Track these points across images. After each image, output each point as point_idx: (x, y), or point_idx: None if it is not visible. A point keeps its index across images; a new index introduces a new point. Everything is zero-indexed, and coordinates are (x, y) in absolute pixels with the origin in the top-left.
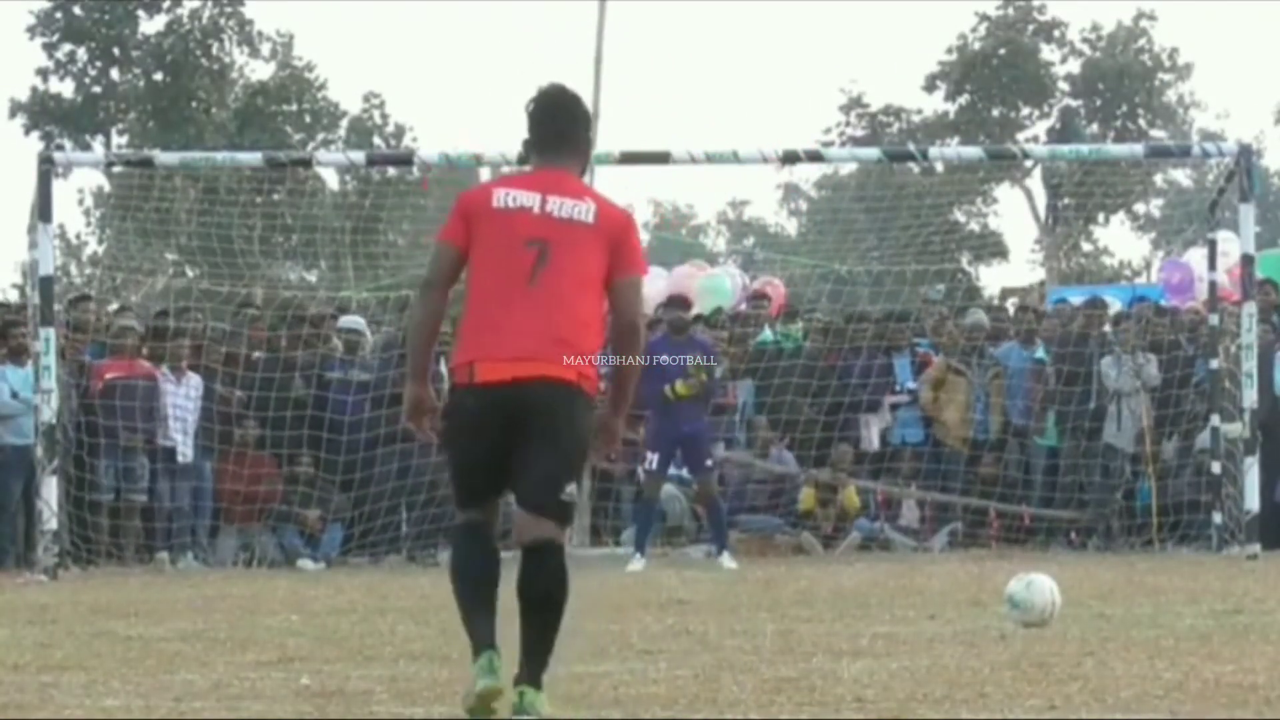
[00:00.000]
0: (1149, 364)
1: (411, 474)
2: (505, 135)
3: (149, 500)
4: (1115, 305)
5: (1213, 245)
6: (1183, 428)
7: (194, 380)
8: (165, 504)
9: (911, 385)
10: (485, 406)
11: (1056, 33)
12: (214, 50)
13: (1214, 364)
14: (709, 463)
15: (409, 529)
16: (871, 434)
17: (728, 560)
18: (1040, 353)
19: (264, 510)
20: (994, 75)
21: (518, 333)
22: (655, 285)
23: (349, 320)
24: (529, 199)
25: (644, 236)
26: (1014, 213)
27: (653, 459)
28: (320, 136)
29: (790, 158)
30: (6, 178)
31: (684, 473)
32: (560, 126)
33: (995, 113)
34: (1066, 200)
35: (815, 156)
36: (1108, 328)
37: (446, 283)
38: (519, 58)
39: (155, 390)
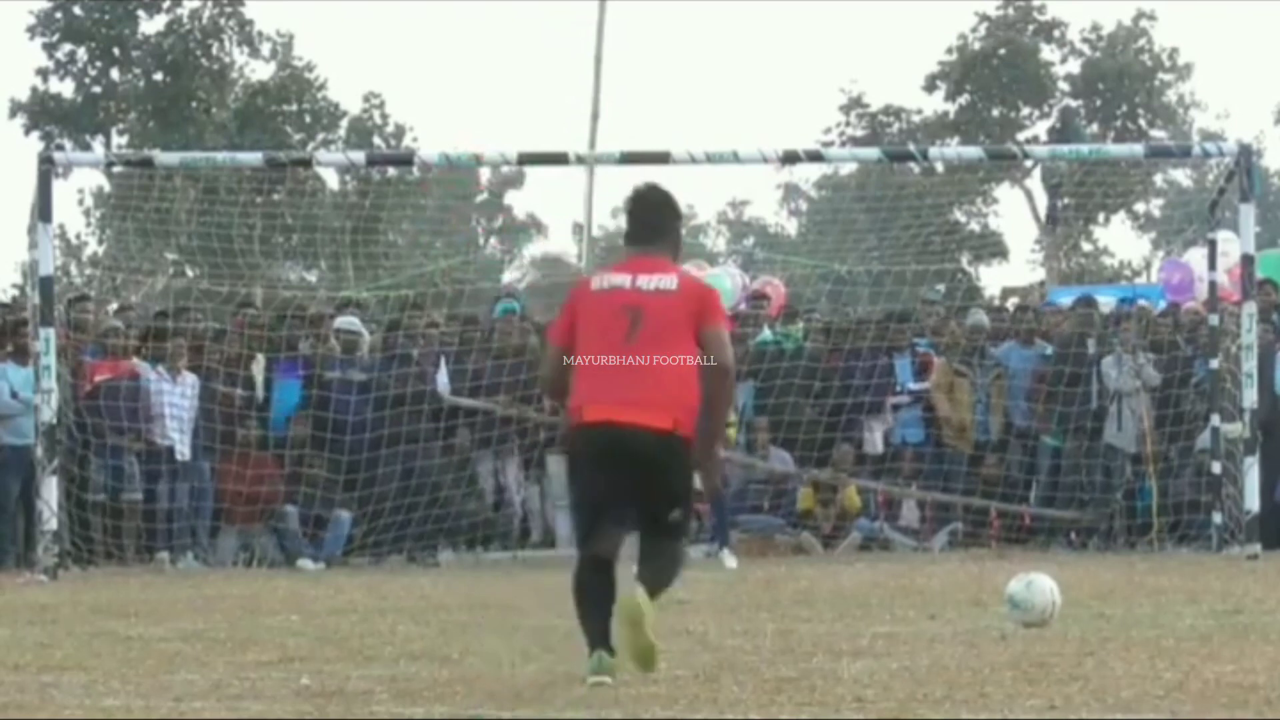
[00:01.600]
0: (1148, 365)
1: (416, 475)
2: (505, 135)
3: (149, 500)
4: (1109, 304)
5: (1213, 245)
6: (1183, 428)
7: (190, 380)
8: (165, 504)
9: (912, 386)
10: (594, 444)
11: (1056, 33)
12: (214, 50)
13: (1214, 364)
14: None
15: (412, 529)
16: (875, 437)
17: (728, 559)
18: (1047, 351)
19: (265, 511)
20: (994, 75)
21: (620, 384)
22: None
23: (345, 321)
24: (621, 279)
25: None
26: (1014, 213)
27: None
28: (320, 136)
29: (790, 158)
30: (6, 178)
31: None
32: (651, 221)
33: (995, 113)
34: (1066, 200)
35: (815, 156)
36: (1107, 326)
37: (560, 382)
38: (519, 58)
39: (143, 390)
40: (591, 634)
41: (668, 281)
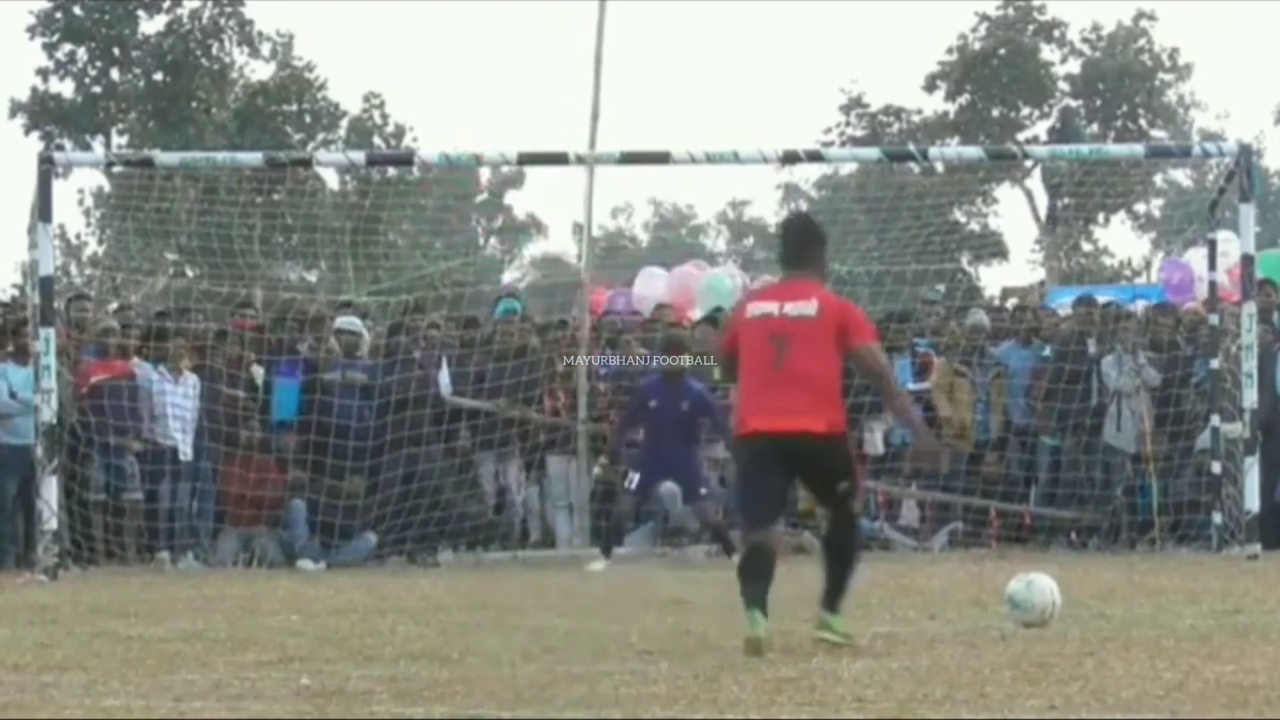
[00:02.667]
0: (1148, 365)
1: (417, 478)
2: (505, 135)
3: (151, 500)
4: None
5: (1213, 245)
6: (1183, 427)
7: (192, 380)
8: (167, 504)
9: (912, 386)
10: (758, 448)
11: (1056, 33)
12: (214, 50)
13: (1214, 364)
14: (702, 490)
15: (413, 531)
16: (875, 438)
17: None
18: (1046, 351)
19: (270, 516)
20: (994, 75)
21: (775, 398)
22: (655, 285)
23: (346, 321)
24: (770, 308)
25: (644, 236)
26: (1014, 213)
27: (634, 479)
28: (320, 136)
29: (790, 158)
30: (6, 178)
31: None
32: (798, 248)
33: (995, 113)
34: (1066, 200)
35: (815, 156)
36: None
37: (735, 375)
38: (519, 58)
39: (141, 390)
40: (749, 596)
41: (809, 308)
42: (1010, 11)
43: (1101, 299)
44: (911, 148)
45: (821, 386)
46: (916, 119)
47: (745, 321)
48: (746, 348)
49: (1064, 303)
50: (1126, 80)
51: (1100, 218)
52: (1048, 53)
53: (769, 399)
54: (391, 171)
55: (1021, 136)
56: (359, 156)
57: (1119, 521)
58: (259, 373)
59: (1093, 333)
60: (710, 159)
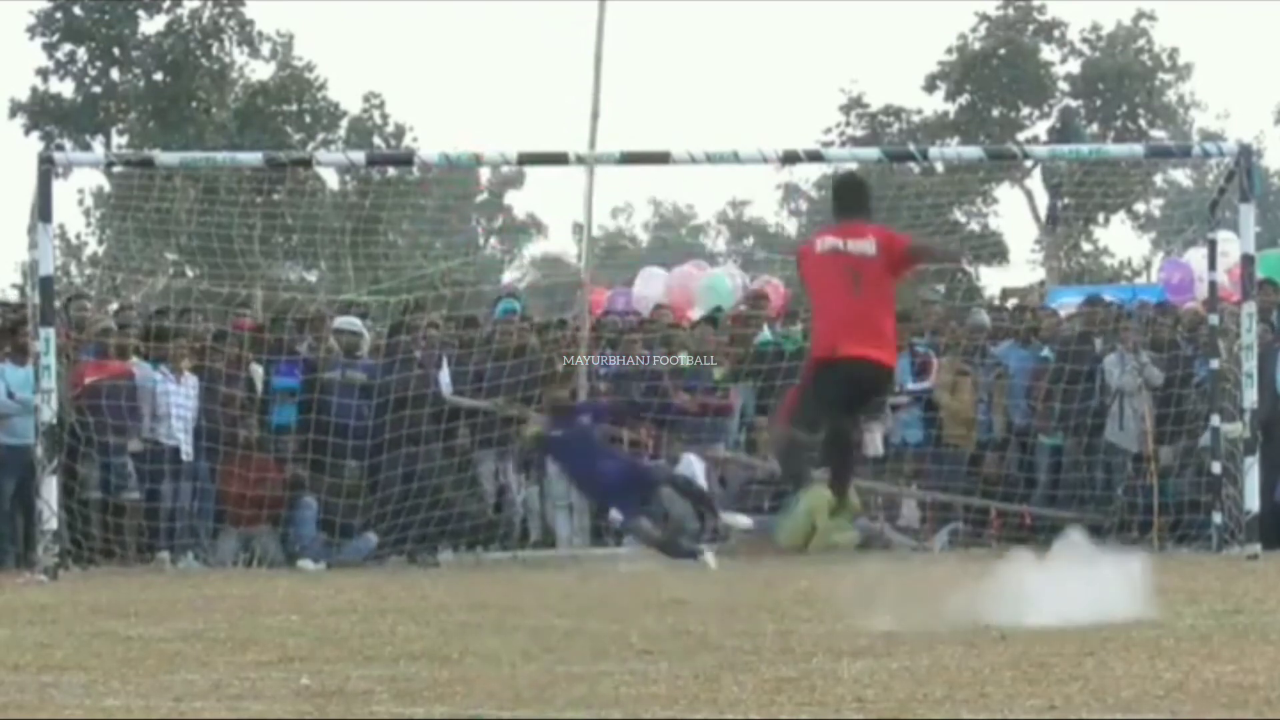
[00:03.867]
0: (1150, 365)
1: (417, 478)
2: (505, 135)
3: (152, 500)
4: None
5: (1213, 245)
6: (1184, 427)
7: (193, 380)
8: (168, 504)
9: (912, 386)
10: (838, 371)
11: (1056, 33)
12: (214, 50)
13: (1214, 364)
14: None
15: (414, 531)
16: (875, 439)
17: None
18: (1045, 351)
19: (270, 515)
20: (994, 75)
21: (848, 330)
22: (654, 285)
23: (345, 321)
24: (837, 242)
25: (644, 236)
26: (1014, 213)
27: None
28: (320, 136)
29: (790, 158)
30: (6, 178)
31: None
32: (850, 202)
33: (995, 113)
34: (1066, 200)
35: (815, 156)
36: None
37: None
38: (519, 58)
39: (140, 390)
40: (797, 483)
41: (868, 245)
42: (1010, 11)
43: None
44: (911, 148)
45: (887, 322)
46: (916, 119)
47: (816, 255)
48: (820, 274)
49: (1064, 303)
50: (1126, 80)
51: (1100, 218)
52: (1048, 53)
53: (851, 327)
54: (391, 171)
55: (1021, 136)
56: (359, 156)
57: (1121, 520)
58: (258, 371)
59: (1098, 333)
60: (710, 159)
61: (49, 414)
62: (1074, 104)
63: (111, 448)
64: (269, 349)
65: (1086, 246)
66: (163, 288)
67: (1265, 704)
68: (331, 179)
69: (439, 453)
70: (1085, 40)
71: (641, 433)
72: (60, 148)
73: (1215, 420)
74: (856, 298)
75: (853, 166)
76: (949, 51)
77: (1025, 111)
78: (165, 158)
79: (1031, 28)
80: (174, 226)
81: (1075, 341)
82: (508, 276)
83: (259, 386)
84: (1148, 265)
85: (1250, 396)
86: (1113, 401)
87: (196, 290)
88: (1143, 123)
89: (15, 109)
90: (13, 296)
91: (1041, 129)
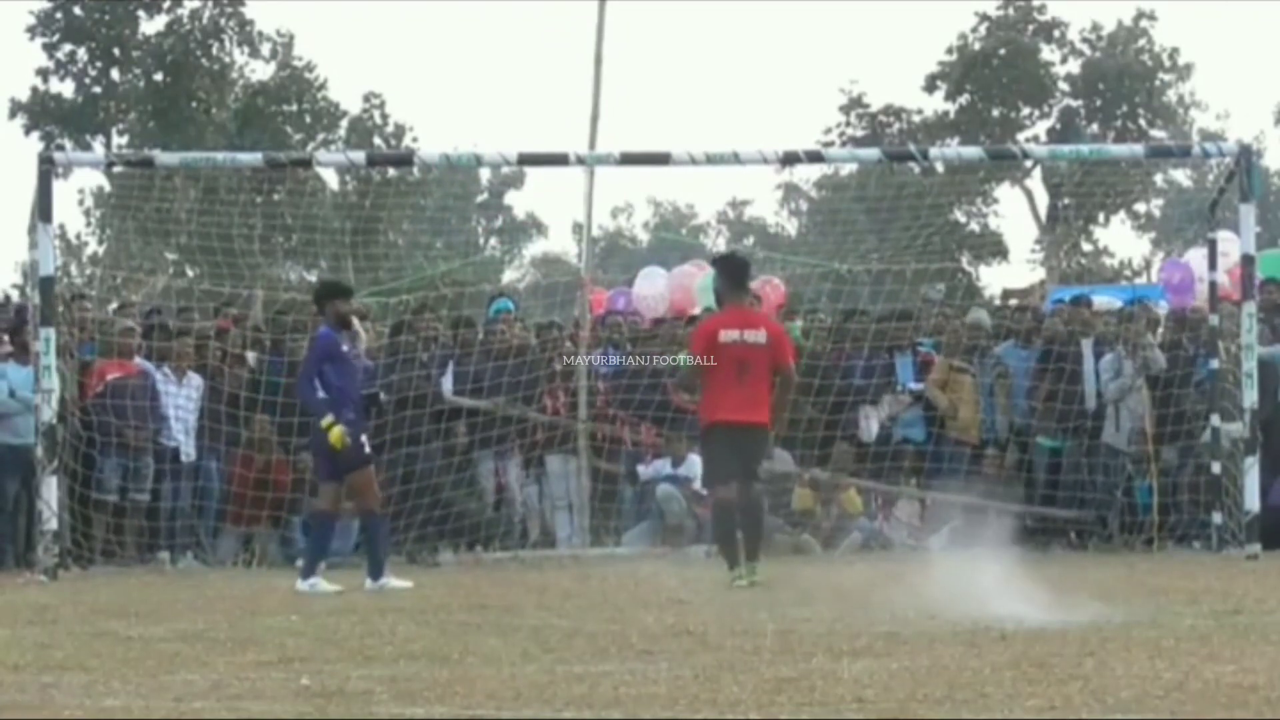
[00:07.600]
0: (1151, 348)
1: (417, 478)
2: (505, 135)
3: (152, 500)
4: (1110, 304)
5: (1213, 245)
6: (1184, 427)
7: (195, 380)
8: (169, 504)
9: (913, 385)
10: (727, 432)
11: (1056, 33)
12: (214, 50)
13: (1214, 364)
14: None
15: (414, 531)
16: (870, 425)
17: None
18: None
19: (272, 516)
20: (994, 75)
21: (738, 400)
22: (655, 285)
23: None
24: (736, 334)
25: (644, 236)
26: (1014, 213)
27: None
28: (320, 136)
29: (790, 158)
30: (6, 178)
31: (679, 471)
32: (740, 279)
33: (995, 113)
34: (1066, 200)
35: (815, 157)
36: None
37: (693, 385)
38: (519, 58)
39: (153, 390)
40: (730, 560)
41: (760, 336)
42: (1010, 11)
43: (1097, 300)
44: (911, 148)
45: (764, 394)
46: (916, 119)
47: (719, 346)
48: (719, 363)
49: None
50: (1126, 80)
51: (1100, 218)
52: (1048, 53)
53: (736, 399)
54: (391, 171)
55: (1021, 136)
56: (359, 156)
57: (1125, 520)
58: (251, 358)
59: (1089, 333)
60: (710, 159)
61: (49, 414)
62: (1074, 104)
63: (135, 449)
64: (270, 350)
65: (1086, 246)
66: (163, 288)
67: (1265, 704)
68: (331, 179)
69: (438, 453)
70: (1085, 40)
71: (644, 433)
72: (60, 148)
73: (1215, 420)
74: (741, 383)
75: (853, 167)
76: (949, 52)
77: (1025, 112)
78: (165, 158)
79: (1031, 28)
80: (174, 226)
81: (1060, 342)
82: (508, 276)
83: (260, 386)
84: (1148, 265)
85: (1250, 396)
86: (1109, 403)
87: (197, 290)
88: (1143, 123)
89: (15, 109)
90: (14, 297)
91: (1041, 129)
